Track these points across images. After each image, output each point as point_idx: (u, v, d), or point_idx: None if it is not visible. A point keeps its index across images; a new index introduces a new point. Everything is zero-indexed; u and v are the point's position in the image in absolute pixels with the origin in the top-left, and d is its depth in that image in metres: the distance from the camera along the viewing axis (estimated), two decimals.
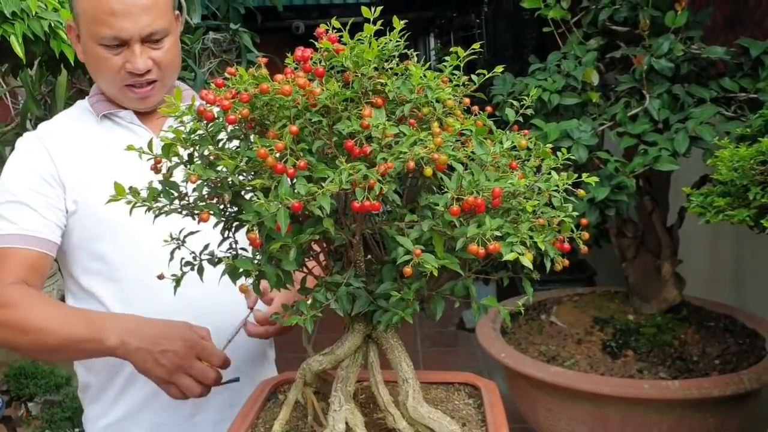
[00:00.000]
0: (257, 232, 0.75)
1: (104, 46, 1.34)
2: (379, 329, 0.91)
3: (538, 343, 2.18)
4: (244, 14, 4.08)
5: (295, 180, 0.74)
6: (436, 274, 0.72)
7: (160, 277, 1.00)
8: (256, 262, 0.77)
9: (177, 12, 1.45)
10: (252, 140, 0.81)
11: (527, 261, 0.72)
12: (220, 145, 0.84)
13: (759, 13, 2.53)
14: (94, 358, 1.35)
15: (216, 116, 0.78)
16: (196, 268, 0.95)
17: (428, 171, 0.74)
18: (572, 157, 0.94)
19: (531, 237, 0.75)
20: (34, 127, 2.69)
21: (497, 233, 0.73)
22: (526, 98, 0.94)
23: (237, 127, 0.82)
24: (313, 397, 1.00)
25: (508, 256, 0.72)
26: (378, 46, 0.81)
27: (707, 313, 2.25)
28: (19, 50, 1.88)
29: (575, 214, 0.85)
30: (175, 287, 0.97)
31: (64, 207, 1.38)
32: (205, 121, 0.79)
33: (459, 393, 1.10)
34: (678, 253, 2.20)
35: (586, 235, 0.85)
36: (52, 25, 1.93)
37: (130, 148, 0.85)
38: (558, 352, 2.10)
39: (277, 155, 0.72)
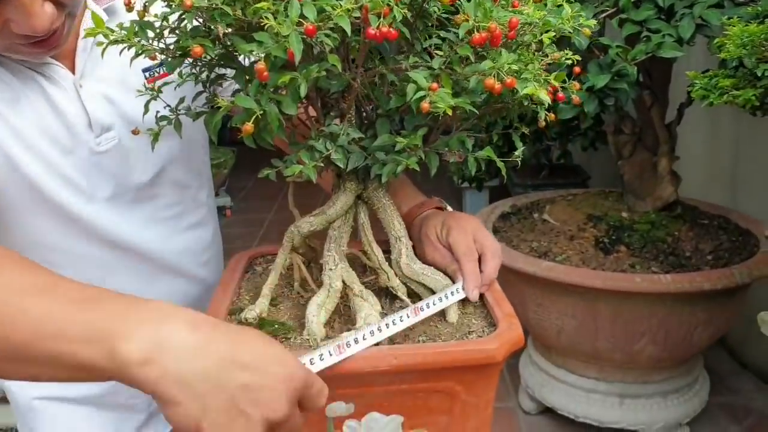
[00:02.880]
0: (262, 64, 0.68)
1: None
2: (376, 184, 0.87)
3: (530, 240, 2.16)
4: None
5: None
6: (450, 113, 0.67)
7: (135, 132, 0.91)
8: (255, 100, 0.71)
9: None
10: None
11: (544, 95, 0.68)
12: None
13: None
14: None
15: None
16: (173, 122, 0.89)
17: None
18: None
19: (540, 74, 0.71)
20: None
21: (514, 67, 0.68)
22: None
23: None
24: (300, 261, 0.97)
25: (525, 90, 0.67)
26: None
27: (702, 213, 2.24)
28: None
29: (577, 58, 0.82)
30: (153, 142, 0.88)
31: None
32: None
33: None
34: (675, 151, 2.17)
35: (576, 85, 0.82)
36: None
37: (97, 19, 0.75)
38: (550, 248, 2.09)
39: None
